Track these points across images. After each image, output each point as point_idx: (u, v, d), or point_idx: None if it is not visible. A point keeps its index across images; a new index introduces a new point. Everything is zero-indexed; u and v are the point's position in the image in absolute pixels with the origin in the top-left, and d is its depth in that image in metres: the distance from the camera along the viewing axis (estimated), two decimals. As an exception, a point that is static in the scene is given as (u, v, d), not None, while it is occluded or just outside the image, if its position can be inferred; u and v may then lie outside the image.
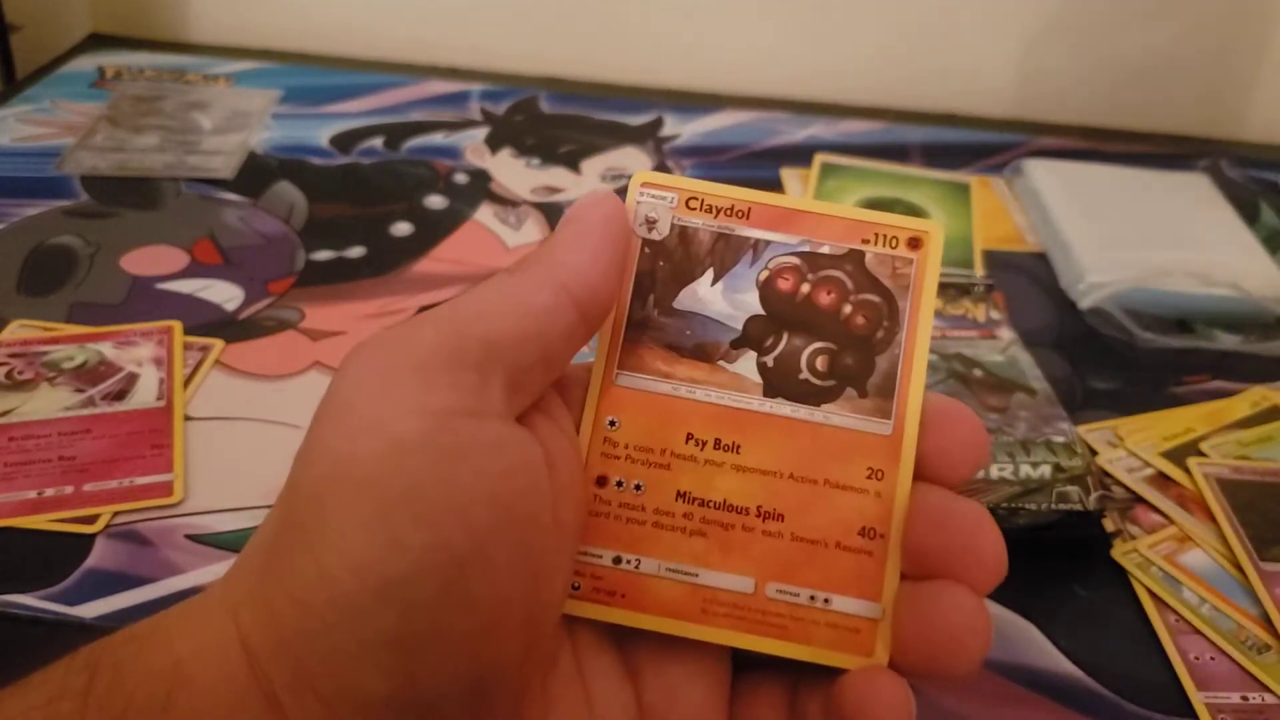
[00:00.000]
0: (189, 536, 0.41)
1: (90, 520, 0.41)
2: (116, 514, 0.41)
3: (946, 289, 0.54)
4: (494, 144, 0.69)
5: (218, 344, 0.50)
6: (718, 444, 0.27)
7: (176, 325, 0.51)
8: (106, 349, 0.49)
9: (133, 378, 0.47)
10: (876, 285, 0.27)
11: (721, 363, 0.27)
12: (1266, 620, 0.39)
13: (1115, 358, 0.54)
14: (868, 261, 0.27)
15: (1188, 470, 0.45)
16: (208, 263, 0.56)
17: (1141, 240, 0.60)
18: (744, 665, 0.27)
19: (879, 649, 0.26)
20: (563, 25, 0.79)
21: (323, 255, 0.58)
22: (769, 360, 0.27)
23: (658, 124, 0.73)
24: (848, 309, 0.27)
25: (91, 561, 0.40)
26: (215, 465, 0.44)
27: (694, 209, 0.28)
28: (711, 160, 0.69)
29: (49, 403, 0.46)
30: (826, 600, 0.26)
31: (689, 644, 0.26)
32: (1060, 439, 0.44)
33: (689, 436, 0.27)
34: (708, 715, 0.26)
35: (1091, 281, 0.57)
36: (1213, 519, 0.43)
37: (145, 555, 0.40)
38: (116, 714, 0.22)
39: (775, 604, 0.26)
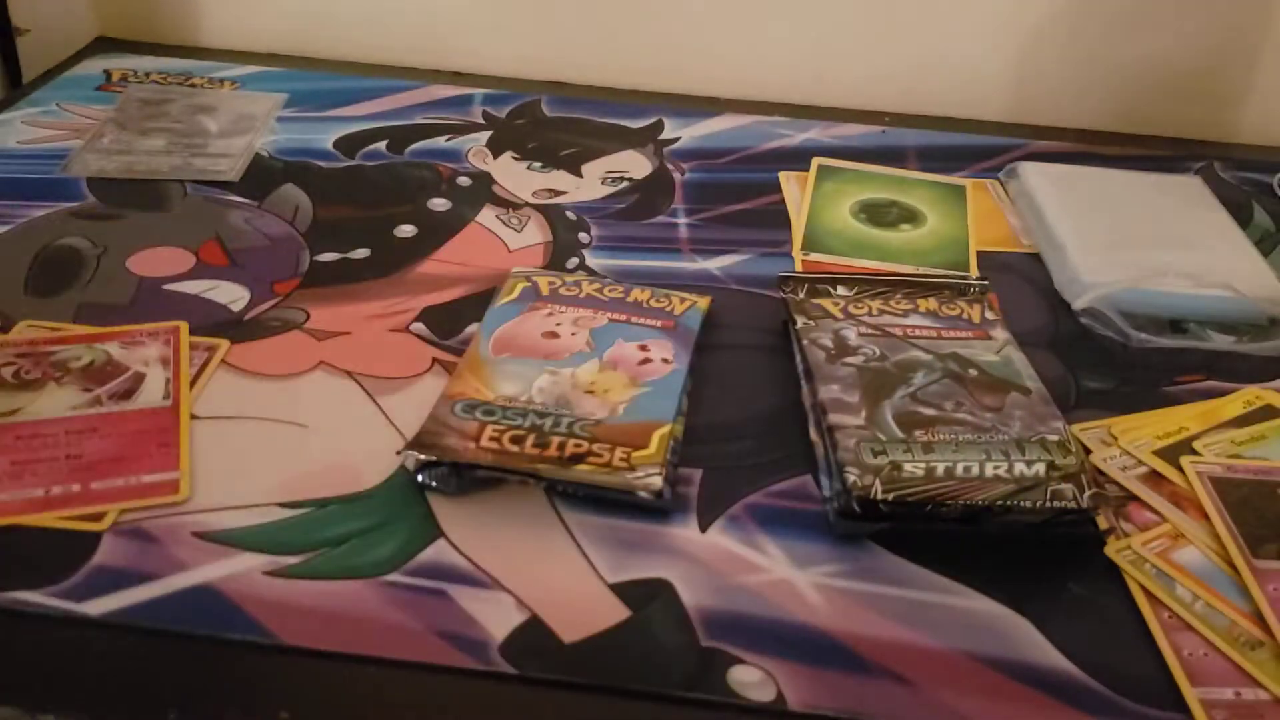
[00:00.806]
0: (195, 534, 0.41)
1: (97, 518, 0.42)
2: (123, 512, 0.42)
3: (942, 289, 0.55)
4: (496, 147, 0.70)
5: (224, 344, 0.51)
6: None
7: (183, 325, 0.51)
8: (113, 349, 0.50)
9: (139, 377, 0.48)
10: None
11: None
12: (1259, 617, 0.40)
13: (1109, 357, 0.54)
14: None
15: (1181, 469, 0.46)
16: (214, 264, 0.57)
17: (1135, 241, 0.60)
18: None
19: None
20: (564, 31, 0.79)
21: (327, 257, 0.58)
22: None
23: (658, 127, 0.74)
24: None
25: (99, 559, 0.40)
26: (221, 463, 0.44)
27: None
28: (711, 164, 0.70)
29: (56, 402, 0.46)
30: None
31: None
32: (1054, 438, 0.44)
33: None
34: None
35: (1086, 282, 0.57)
36: (1205, 517, 0.44)
37: (152, 552, 0.40)
38: None
39: None
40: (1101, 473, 0.46)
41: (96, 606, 0.38)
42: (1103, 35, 0.76)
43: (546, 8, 0.79)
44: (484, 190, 0.65)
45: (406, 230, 0.61)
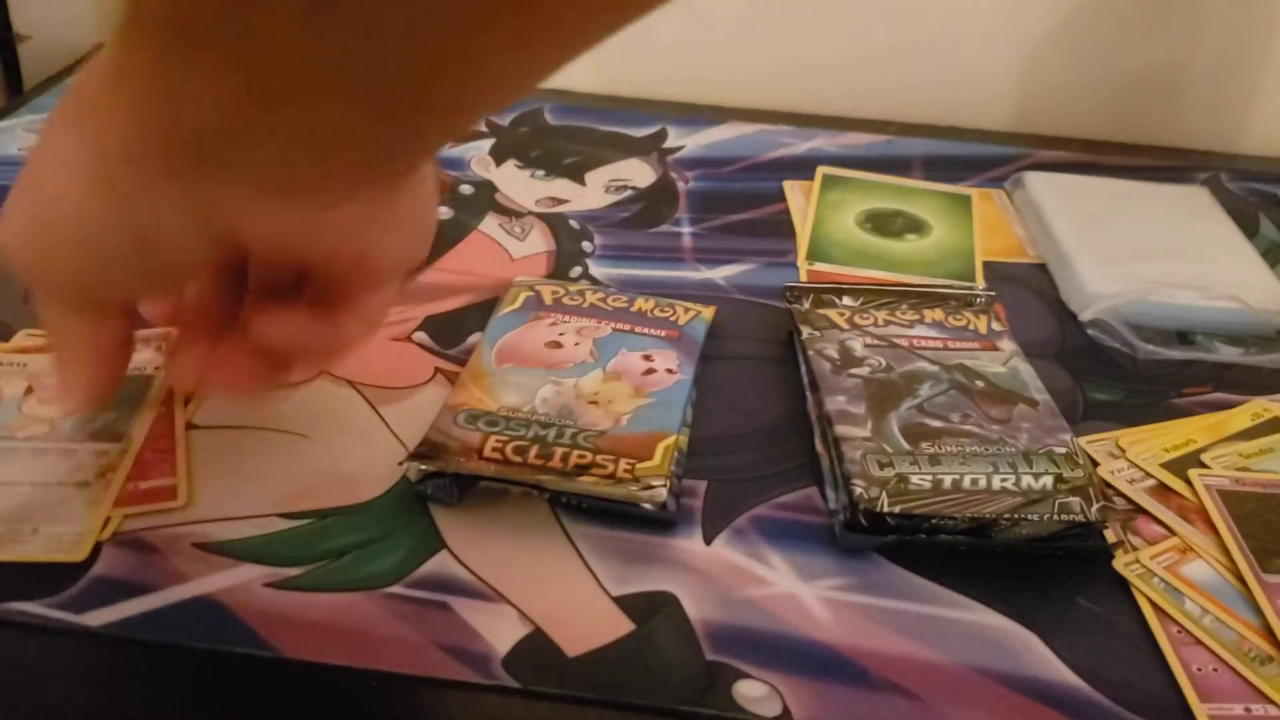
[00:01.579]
0: (195, 545, 0.41)
1: (97, 528, 0.41)
2: (124, 520, 0.42)
3: (948, 300, 0.54)
4: (499, 155, 0.70)
5: (224, 353, 0.50)
6: None
7: (175, 330, 0.51)
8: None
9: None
10: None
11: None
12: (1269, 632, 0.40)
13: (1116, 369, 0.54)
14: None
15: (1189, 481, 0.46)
16: (214, 272, 0.56)
17: (1142, 253, 0.60)
18: None
19: None
20: (567, 38, 0.79)
21: (328, 265, 0.58)
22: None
23: (661, 136, 0.73)
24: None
25: (98, 569, 0.40)
26: (222, 473, 0.44)
27: None
28: (715, 172, 0.70)
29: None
30: None
31: None
32: (1062, 450, 0.44)
33: None
34: None
35: (1092, 293, 0.57)
36: (1214, 530, 0.44)
37: (152, 563, 0.40)
38: None
39: None
40: (1109, 485, 0.46)
41: (96, 618, 0.38)
42: (1109, 44, 0.76)
43: (550, 16, 0.79)
44: (486, 198, 0.65)
45: (409, 238, 0.61)
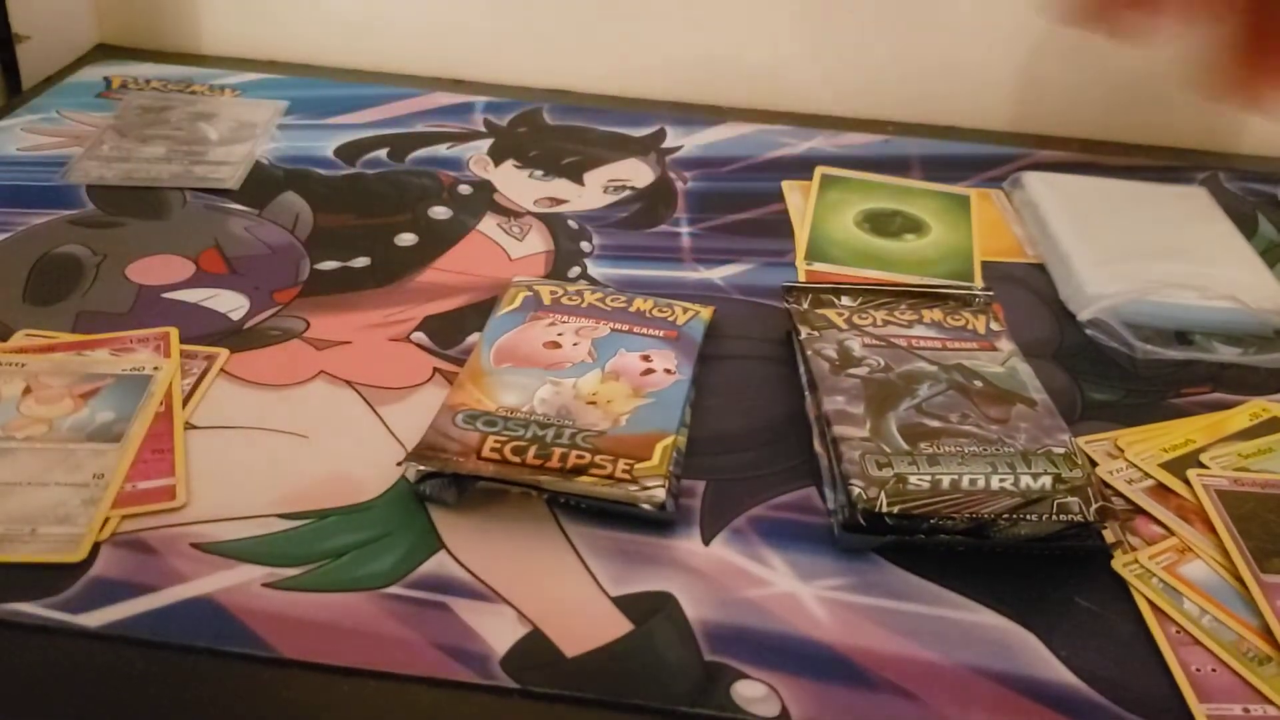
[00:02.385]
0: (194, 545, 0.41)
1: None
2: (122, 521, 0.41)
3: (946, 300, 0.54)
4: (497, 155, 0.70)
5: (223, 353, 0.50)
6: None
7: (173, 331, 0.51)
8: (104, 356, 0.49)
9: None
10: None
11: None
12: (1267, 632, 0.40)
13: (1115, 369, 0.54)
14: None
15: (1187, 482, 0.46)
16: (213, 272, 0.56)
17: (1140, 253, 0.60)
18: None
19: None
20: (565, 38, 0.79)
21: (328, 265, 0.58)
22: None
23: (660, 136, 0.73)
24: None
25: (96, 570, 0.40)
26: (220, 474, 0.44)
27: None
28: (713, 172, 0.69)
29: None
30: None
31: None
32: (1060, 450, 0.44)
33: None
34: None
35: (1091, 293, 0.57)
36: (1213, 530, 0.44)
37: (150, 563, 0.40)
38: None
39: None
40: (1108, 486, 0.46)
41: (94, 619, 0.38)
42: (1107, 44, 0.75)
43: (548, 15, 0.79)
44: (485, 198, 0.65)
45: (407, 239, 0.61)
